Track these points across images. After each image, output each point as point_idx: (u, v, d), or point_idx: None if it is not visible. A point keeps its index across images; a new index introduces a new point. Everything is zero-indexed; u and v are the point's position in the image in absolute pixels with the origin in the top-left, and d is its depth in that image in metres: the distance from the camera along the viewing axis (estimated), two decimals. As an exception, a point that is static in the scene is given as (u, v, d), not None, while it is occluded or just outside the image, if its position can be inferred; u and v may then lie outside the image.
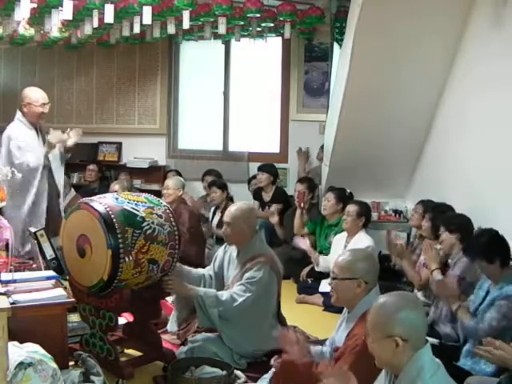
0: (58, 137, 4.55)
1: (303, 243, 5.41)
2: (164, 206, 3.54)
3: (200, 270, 3.98)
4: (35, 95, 4.54)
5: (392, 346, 2.13)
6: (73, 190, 6.75)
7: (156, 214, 3.41)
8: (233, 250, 3.88)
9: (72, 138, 4.65)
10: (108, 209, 3.26)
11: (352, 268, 2.89)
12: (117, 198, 3.41)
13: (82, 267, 3.36)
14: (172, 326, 4.04)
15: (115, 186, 5.95)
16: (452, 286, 3.50)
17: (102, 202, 3.32)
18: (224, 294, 3.58)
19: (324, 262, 5.13)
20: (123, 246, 3.20)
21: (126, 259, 3.21)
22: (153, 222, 3.35)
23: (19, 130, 4.51)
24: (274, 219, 6.18)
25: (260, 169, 6.60)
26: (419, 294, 4.33)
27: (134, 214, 3.32)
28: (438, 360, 2.19)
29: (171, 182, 5.57)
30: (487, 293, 3.31)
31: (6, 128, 4.56)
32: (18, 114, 4.56)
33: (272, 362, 3.05)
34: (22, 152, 4.44)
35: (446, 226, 3.93)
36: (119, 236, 3.20)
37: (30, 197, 4.47)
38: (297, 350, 2.83)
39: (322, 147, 6.77)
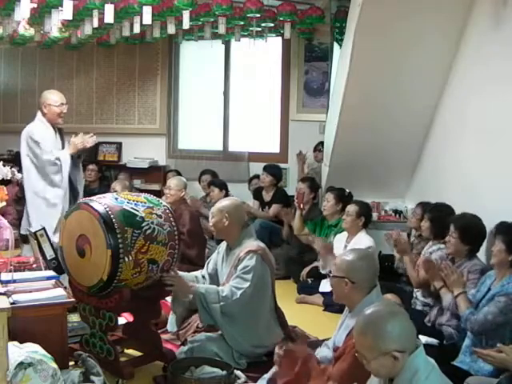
0: (81, 139, 4.72)
1: (326, 248, 5.11)
2: (164, 205, 3.54)
3: (193, 273, 3.98)
4: (54, 96, 4.76)
5: (390, 360, 2.12)
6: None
7: (156, 213, 3.41)
8: (225, 249, 3.91)
9: (85, 142, 4.76)
10: (108, 209, 3.26)
11: (342, 266, 2.95)
12: (116, 198, 3.41)
13: (81, 267, 3.36)
14: (171, 326, 4.04)
15: (116, 186, 5.96)
16: (458, 273, 3.49)
17: (102, 202, 3.32)
18: (224, 290, 3.59)
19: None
20: (123, 246, 3.20)
21: (126, 259, 3.21)
22: (152, 222, 3.35)
23: (38, 128, 4.68)
24: (288, 218, 5.99)
25: (265, 169, 6.56)
26: (419, 294, 4.33)
27: (133, 214, 3.32)
28: (431, 360, 2.20)
29: (173, 182, 5.51)
30: (489, 289, 3.32)
31: (26, 127, 4.72)
32: (39, 115, 4.73)
33: (276, 349, 3.07)
34: (45, 146, 4.60)
35: (461, 234, 3.77)
36: (119, 236, 3.20)
37: (63, 190, 4.63)
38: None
39: (316, 148, 6.78)
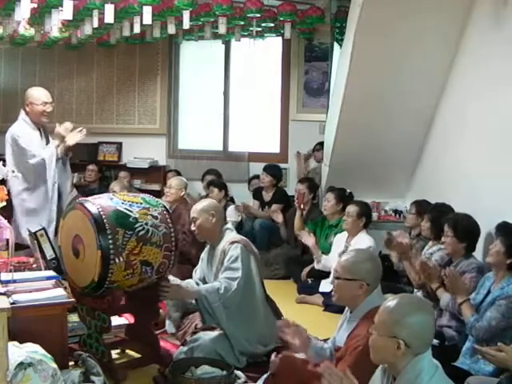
0: (67, 128, 4.56)
1: (309, 240, 5.30)
2: (162, 207, 3.50)
3: (185, 281, 3.95)
4: (37, 94, 4.54)
5: (393, 347, 2.14)
6: (75, 190, 6.74)
7: (151, 215, 3.37)
8: (207, 251, 3.95)
9: (74, 137, 4.59)
10: (100, 209, 3.24)
11: (355, 269, 2.89)
12: (111, 199, 3.39)
13: (76, 267, 3.35)
14: (170, 327, 4.04)
15: (115, 186, 5.98)
16: (462, 280, 3.48)
17: (96, 203, 3.30)
18: (221, 285, 3.57)
19: (324, 261, 5.10)
20: (113, 247, 3.17)
21: (117, 260, 3.17)
22: (146, 223, 3.31)
23: (23, 129, 4.49)
24: (279, 218, 6.14)
25: (265, 169, 6.57)
26: (419, 295, 4.32)
27: (126, 215, 3.28)
28: (436, 361, 2.20)
29: (174, 181, 5.58)
30: (488, 291, 3.32)
31: (11, 127, 4.54)
32: (22, 114, 4.53)
33: (272, 357, 3.04)
34: (31, 151, 4.43)
35: (455, 232, 3.80)
36: (109, 237, 3.16)
37: (49, 192, 4.49)
38: (298, 342, 2.87)
39: (316, 148, 6.78)
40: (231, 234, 3.87)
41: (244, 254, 3.70)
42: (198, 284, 3.93)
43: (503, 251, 3.23)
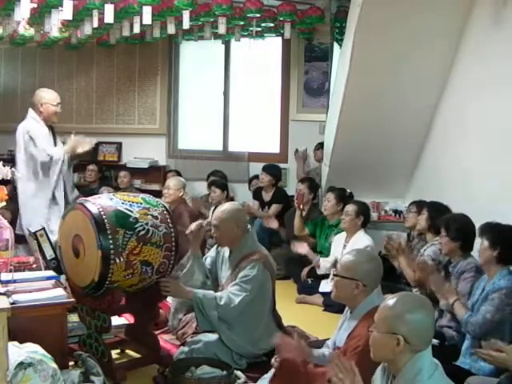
0: (82, 144, 4.77)
1: (302, 248, 5.29)
2: (162, 207, 3.50)
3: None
4: (51, 96, 4.77)
5: (393, 343, 2.14)
6: (76, 190, 6.74)
7: (151, 215, 3.37)
8: (225, 251, 3.86)
9: (85, 145, 4.80)
10: (100, 209, 3.24)
11: (354, 268, 2.90)
12: (111, 199, 3.39)
13: (76, 267, 3.35)
14: (172, 322, 4.02)
15: (104, 192, 6.03)
16: (445, 282, 3.49)
17: (96, 203, 3.30)
18: (222, 297, 3.54)
19: (324, 264, 5.07)
20: (114, 247, 3.17)
21: (117, 260, 3.18)
22: (147, 224, 3.31)
23: (33, 125, 4.67)
24: (274, 224, 6.07)
25: (264, 169, 6.57)
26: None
27: (126, 215, 3.28)
28: (436, 360, 2.20)
29: (172, 182, 5.58)
30: (483, 290, 3.32)
31: (20, 124, 4.71)
32: (32, 113, 4.71)
33: (272, 361, 3.04)
34: (40, 144, 4.61)
35: (447, 231, 3.79)
36: (110, 237, 3.17)
37: (50, 189, 4.66)
38: (297, 354, 2.86)
39: (317, 148, 6.78)
40: (253, 248, 3.75)
41: (260, 273, 3.61)
42: (207, 276, 3.91)
43: (488, 246, 3.26)
